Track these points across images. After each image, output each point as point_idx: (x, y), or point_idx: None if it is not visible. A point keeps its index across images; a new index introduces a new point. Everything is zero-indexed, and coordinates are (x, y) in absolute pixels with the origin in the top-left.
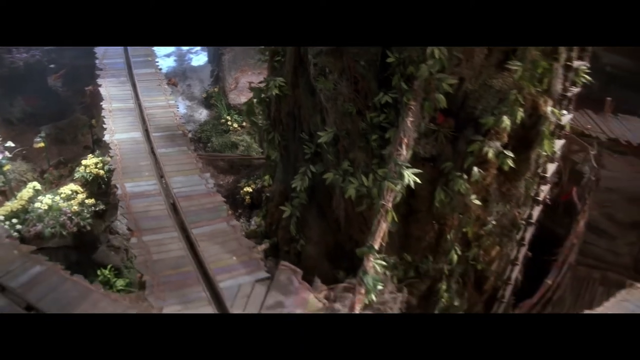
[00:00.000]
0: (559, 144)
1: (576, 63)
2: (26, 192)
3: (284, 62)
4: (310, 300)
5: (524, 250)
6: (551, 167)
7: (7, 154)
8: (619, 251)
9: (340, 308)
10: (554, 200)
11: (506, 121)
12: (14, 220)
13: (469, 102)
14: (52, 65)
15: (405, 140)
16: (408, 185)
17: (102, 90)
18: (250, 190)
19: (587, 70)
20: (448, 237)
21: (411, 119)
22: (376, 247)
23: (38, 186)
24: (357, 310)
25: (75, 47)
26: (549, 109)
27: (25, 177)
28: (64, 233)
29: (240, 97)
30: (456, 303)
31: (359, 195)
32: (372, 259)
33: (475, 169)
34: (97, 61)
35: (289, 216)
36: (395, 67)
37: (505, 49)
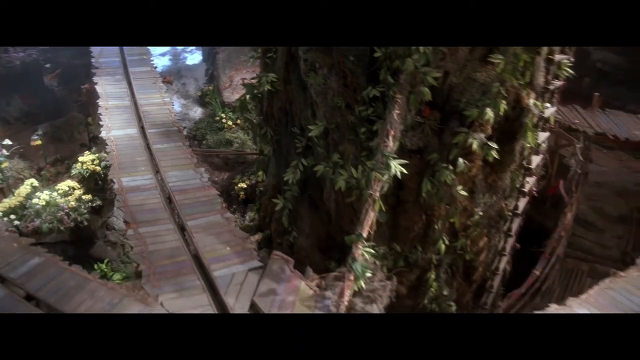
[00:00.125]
0: (543, 136)
1: (558, 57)
2: (24, 189)
3: (276, 59)
4: (301, 288)
5: (511, 241)
6: (536, 159)
7: (4, 151)
8: (606, 244)
9: (331, 295)
10: (542, 194)
11: (489, 113)
12: (12, 216)
13: (453, 95)
14: (47, 65)
15: (392, 132)
16: (396, 177)
17: (98, 88)
18: (245, 186)
19: (570, 64)
20: (436, 227)
21: (397, 111)
22: (364, 235)
23: (35, 183)
24: (347, 296)
25: (71, 47)
26: (531, 101)
27: (23, 175)
28: (62, 228)
29: (234, 95)
30: (445, 292)
31: (349, 187)
32: (360, 246)
33: (461, 160)
34: (93, 60)
35: (282, 208)
36: (382, 62)
37: None
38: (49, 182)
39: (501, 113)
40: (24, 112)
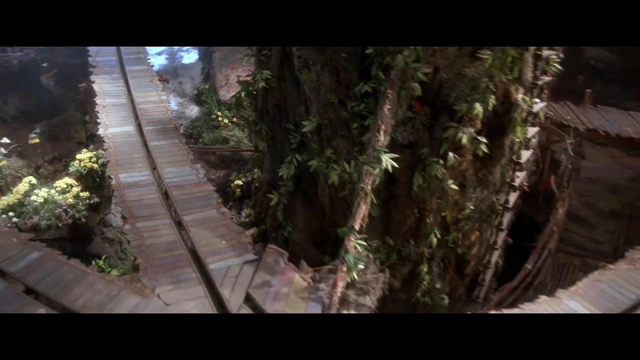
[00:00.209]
0: (532, 131)
1: (546, 52)
2: (22, 186)
3: (270, 56)
4: (295, 280)
5: (502, 235)
6: (526, 154)
7: (2, 150)
8: (598, 239)
9: (325, 287)
10: (535, 189)
11: (478, 108)
12: (11, 214)
13: (443, 91)
14: (44, 64)
15: (383, 126)
16: (388, 172)
17: (95, 86)
18: (241, 183)
19: (558, 60)
20: (427, 221)
21: (388, 106)
22: (356, 227)
23: (34, 181)
24: (340, 287)
25: (68, 46)
26: (520, 96)
27: (21, 173)
28: (60, 225)
29: (230, 93)
30: (438, 286)
31: (342, 181)
32: (352, 238)
33: (451, 154)
34: (90, 59)
35: (276, 204)
36: (374, 58)
37: None
38: (46, 180)
39: (490, 108)
40: (22, 111)
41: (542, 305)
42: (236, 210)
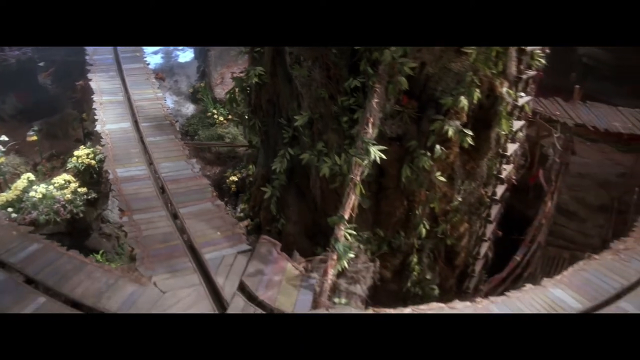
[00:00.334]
0: (518, 124)
1: (530, 47)
2: (21, 183)
3: (263, 53)
4: (288, 268)
5: (491, 227)
6: (512, 147)
7: (0, 147)
8: (588, 232)
9: (317, 276)
10: (525, 184)
11: (464, 101)
12: (9, 209)
13: (430, 85)
14: (41, 63)
15: (371, 119)
16: (378, 164)
17: (92, 84)
18: (236, 179)
19: (542, 54)
20: (417, 212)
21: (376, 100)
22: (346, 216)
23: (32, 177)
24: (330, 275)
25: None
26: (504, 90)
27: (19, 170)
28: (58, 220)
29: (225, 91)
30: (428, 276)
31: (333, 174)
32: (342, 227)
33: (438, 146)
34: (87, 57)
35: (270, 197)
36: (363, 54)
37: None
38: (44, 176)
39: (475, 101)
40: (19, 110)
41: (528, 293)
42: (232, 206)
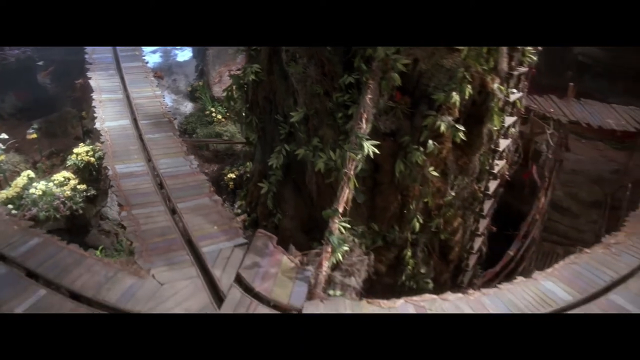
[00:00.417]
0: (510, 120)
1: None
2: (21, 180)
3: (260, 51)
4: (283, 261)
5: (485, 222)
6: (504, 143)
7: (0, 145)
8: (581, 228)
9: (312, 269)
10: (519, 180)
11: (455, 97)
12: (10, 206)
13: (422, 81)
14: (40, 62)
15: (365, 115)
16: (372, 159)
17: (92, 82)
18: (234, 176)
19: (533, 51)
20: (411, 207)
21: (370, 96)
22: (340, 210)
23: (32, 174)
24: (325, 267)
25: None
26: (495, 86)
27: (19, 168)
28: (58, 216)
29: (223, 89)
30: (422, 270)
31: (328, 169)
32: (337, 221)
33: (431, 142)
34: (86, 56)
35: (267, 192)
36: (357, 50)
37: None
38: (44, 174)
39: (467, 97)
40: (19, 108)
41: (520, 286)
42: (229, 203)
